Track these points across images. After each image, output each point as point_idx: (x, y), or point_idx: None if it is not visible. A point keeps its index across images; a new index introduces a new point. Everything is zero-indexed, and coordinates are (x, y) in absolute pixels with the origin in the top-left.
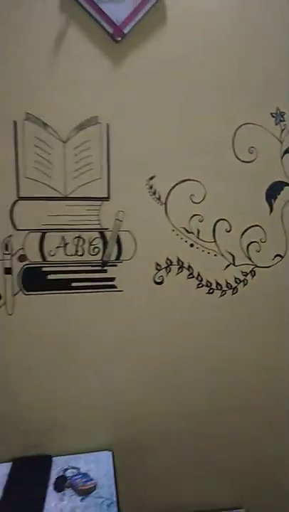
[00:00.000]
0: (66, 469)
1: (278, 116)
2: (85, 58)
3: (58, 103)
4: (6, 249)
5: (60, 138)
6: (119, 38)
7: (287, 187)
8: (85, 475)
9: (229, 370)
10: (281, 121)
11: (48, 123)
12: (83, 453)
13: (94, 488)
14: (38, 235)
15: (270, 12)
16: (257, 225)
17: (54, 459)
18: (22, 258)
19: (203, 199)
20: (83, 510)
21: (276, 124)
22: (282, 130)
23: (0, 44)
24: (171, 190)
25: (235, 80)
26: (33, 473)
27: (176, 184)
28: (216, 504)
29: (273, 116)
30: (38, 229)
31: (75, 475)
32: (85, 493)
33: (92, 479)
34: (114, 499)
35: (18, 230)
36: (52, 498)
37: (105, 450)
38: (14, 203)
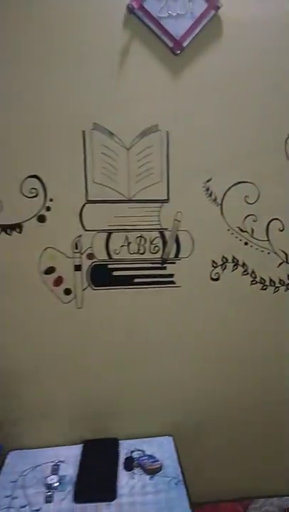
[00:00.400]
0: (132, 451)
1: None
2: (146, 71)
3: (123, 113)
4: (76, 248)
5: (124, 145)
6: (179, 51)
7: None
8: (150, 456)
9: (282, 362)
10: None
11: (114, 132)
12: (146, 437)
13: (160, 468)
14: (105, 235)
15: None
16: None
17: (120, 442)
18: (90, 256)
19: (256, 200)
20: (153, 487)
21: None
22: None
23: (69, 60)
24: (226, 191)
25: (287, 86)
26: (102, 453)
27: (231, 186)
28: (272, 491)
29: None
30: (105, 229)
31: (142, 456)
32: (152, 473)
33: (158, 460)
34: (181, 478)
35: (87, 230)
36: (123, 476)
37: (166, 435)
38: (83, 206)
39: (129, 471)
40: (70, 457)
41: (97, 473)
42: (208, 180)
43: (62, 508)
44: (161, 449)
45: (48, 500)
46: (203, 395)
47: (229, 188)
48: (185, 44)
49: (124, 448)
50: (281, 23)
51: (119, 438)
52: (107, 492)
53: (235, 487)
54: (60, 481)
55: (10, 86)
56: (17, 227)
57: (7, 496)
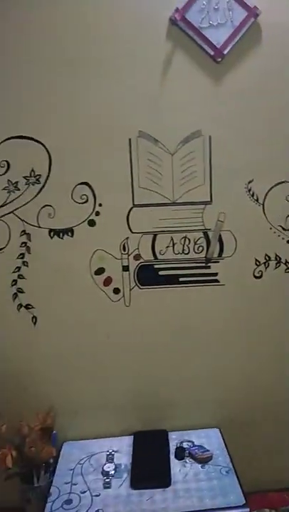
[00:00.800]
0: (182, 442)
1: None
2: (188, 79)
3: (166, 120)
4: (124, 249)
5: (168, 151)
6: (220, 59)
7: None
8: (200, 447)
9: None
10: None
11: (158, 139)
12: (194, 429)
13: (211, 457)
14: (151, 236)
15: None
16: None
17: (169, 433)
18: (137, 257)
19: None
20: (205, 475)
21: None
22: None
23: (116, 73)
24: (268, 192)
25: None
26: (153, 444)
27: (273, 186)
28: None
29: None
30: (150, 231)
31: (192, 446)
32: (203, 462)
33: (208, 450)
34: (231, 467)
35: (134, 232)
36: (175, 464)
37: (213, 428)
38: (130, 209)
39: (181, 460)
40: (122, 447)
41: (150, 462)
42: (250, 181)
43: (121, 494)
44: (209, 440)
45: (107, 486)
46: (250, 389)
47: (271, 188)
48: (226, 51)
49: (173, 439)
50: None
51: (168, 430)
52: (162, 478)
53: (283, 477)
54: (115, 468)
55: (65, 99)
56: (69, 231)
57: (67, 483)
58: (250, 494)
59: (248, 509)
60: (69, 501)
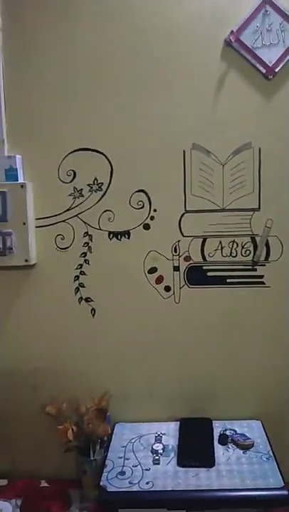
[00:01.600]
0: (225, 430)
1: None
2: (240, 95)
3: (219, 134)
4: (175, 251)
5: (219, 162)
6: (271, 77)
7: None
8: (242, 435)
9: None
10: None
11: (210, 150)
12: (236, 420)
13: (252, 445)
14: (200, 240)
15: None
16: None
17: (213, 421)
18: (187, 258)
19: None
20: (247, 460)
21: None
22: None
23: (173, 91)
24: None
25: None
26: (198, 429)
27: None
28: None
29: None
30: (200, 235)
31: (234, 434)
32: (245, 448)
33: (250, 438)
34: (272, 454)
35: (185, 236)
36: (218, 448)
37: (255, 419)
38: (182, 215)
39: (224, 445)
40: (169, 430)
41: (196, 444)
42: None
43: (168, 470)
44: (251, 430)
45: (156, 462)
46: None
47: None
48: (277, 69)
49: (217, 427)
50: None
51: (212, 418)
52: (207, 459)
53: None
54: (164, 448)
55: (126, 115)
56: (126, 233)
57: (120, 457)
58: (287, 483)
59: (286, 492)
60: (122, 473)
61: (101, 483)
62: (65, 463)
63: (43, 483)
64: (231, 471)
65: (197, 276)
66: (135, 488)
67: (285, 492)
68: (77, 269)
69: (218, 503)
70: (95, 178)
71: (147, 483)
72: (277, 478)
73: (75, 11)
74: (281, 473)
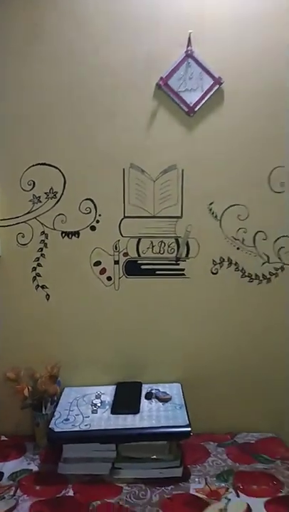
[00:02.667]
0: (151, 389)
1: None
2: (168, 127)
3: (151, 156)
4: (116, 248)
5: (151, 178)
6: (192, 114)
7: None
8: (164, 392)
9: (264, 332)
10: None
11: (144, 169)
12: (161, 383)
13: (170, 398)
14: (136, 240)
15: None
16: (286, 236)
17: (143, 384)
18: (125, 254)
19: (246, 217)
20: (164, 409)
21: None
22: None
23: (117, 120)
24: (224, 211)
25: (271, 138)
26: (130, 390)
27: (228, 207)
28: (254, 427)
29: None
30: (136, 236)
31: (158, 391)
32: (164, 401)
33: (169, 394)
34: (184, 404)
35: (124, 236)
36: (144, 402)
37: (176, 382)
38: (121, 220)
39: (148, 399)
40: (107, 391)
41: (127, 399)
42: (210, 203)
43: (103, 417)
44: (172, 390)
45: (94, 412)
46: (206, 352)
47: (226, 209)
48: (196, 109)
49: (145, 388)
50: (267, 94)
51: (143, 382)
52: (134, 408)
53: (227, 423)
54: (101, 402)
55: (77, 136)
56: (76, 233)
57: (66, 410)
58: (198, 434)
59: (189, 428)
60: (67, 419)
61: (50, 426)
62: (22, 422)
63: (3, 438)
64: (151, 416)
65: (133, 268)
66: (76, 429)
67: (188, 429)
68: (34, 261)
69: (139, 436)
70: (51, 188)
71: (86, 425)
72: (184, 420)
73: (37, 57)
74: (188, 418)
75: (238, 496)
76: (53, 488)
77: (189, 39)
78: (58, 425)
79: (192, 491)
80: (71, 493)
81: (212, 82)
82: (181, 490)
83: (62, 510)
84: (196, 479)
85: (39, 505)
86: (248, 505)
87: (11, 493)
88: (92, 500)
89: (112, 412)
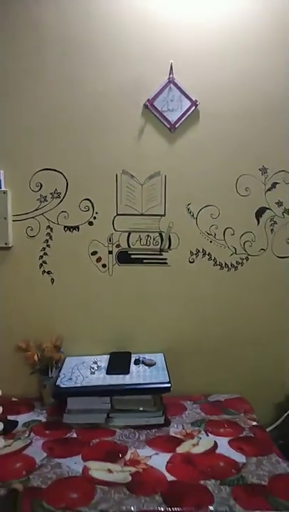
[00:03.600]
0: (139, 357)
1: (263, 170)
2: (153, 140)
3: (139, 164)
4: (110, 241)
5: (140, 183)
6: (173, 130)
7: (267, 210)
8: (150, 359)
9: (231, 310)
10: (265, 173)
11: (134, 175)
12: (147, 353)
13: (154, 364)
14: (126, 234)
15: (262, 109)
16: (250, 232)
17: (132, 354)
18: (118, 246)
19: (218, 216)
20: (149, 371)
21: (262, 175)
22: (265, 178)
23: (110, 134)
24: (199, 211)
25: (238, 151)
26: (122, 358)
27: (203, 207)
28: (226, 389)
29: (260, 170)
30: (126, 230)
31: (144, 358)
32: (149, 365)
33: (153, 360)
34: (165, 367)
35: (116, 230)
36: (133, 366)
37: (160, 352)
38: (114, 217)
39: (137, 364)
40: (103, 359)
41: (119, 364)
42: (188, 204)
43: (100, 377)
44: (156, 358)
45: (92, 373)
46: (185, 328)
47: (201, 209)
48: (177, 126)
49: (134, 356)
50: (235, 115)
51: (132, 351)
52: (125, 369)
53: (202, 387)
54: (98, 367)
55: (79, 147)
56: (76, 227)
57: (69, 372)
58: (179, 395)
59: (169, 385)
60: (70, 379)
61: (56, 384)
62: (29, 386)
63: (14, 399)
64: (139, 375)
65: (124, 257)
66: (78, 385)
67: (168, 385)
68: (41, 251)
69: (129, 391)
70: (55, 189)
71: (86, 382)
72: (165, 378)
73: (43, 80)
74: (169, 377)
75: (207, 435)
76: (60, 431)
77: (171, 68)
78: (63, 383)
79: (172, 433)
80: (75, 435)
81: (190, 103)
82: (163, 433)
83: (68, 446)
84: (175, 425)
85: (50, 443)
86: (215, 442)
87: (26, 435)
88: (91, 439)
89: (107, 373)
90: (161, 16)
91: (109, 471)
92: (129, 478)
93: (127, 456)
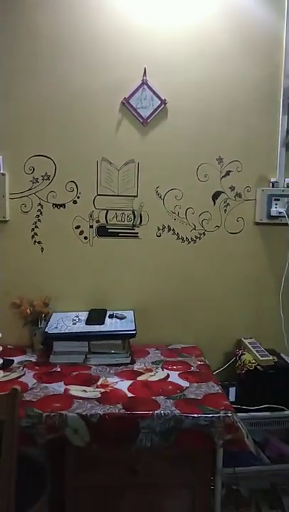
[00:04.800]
0: (113, 313)
1: (219, 160)
2: (129, 133)
3: (116, 152)
4: (91, 216)
5: (116, 168)
6: (145, 124)
7: (222, 193)
8: (121, 314)
9: (190, 275)
10: (221, 162)
11: (112, 161)
12: (120, 310)
13: (125, 317)
14: (105, 211)
15: (233, 114)
16: (207, 211)
17: (107, 310)
18: (97, 221)
19: (181, 197)
20: (120, 323)
21: (218, 164)
22: (221, 167)
23: (91, 125)
24: (166, 193)
25: (200, 143)
26: (99, 313)
27: (169, 190)
28: (184, 340)
29: (217, 160)
30: (105, 208)
31: (117, 313)
32: (121, 319)
33: (124, 315)
34: (133, 320)
35: (96, 208)
36: (107, 319)
37: (130, 310)
38: (95, 197)
39: (110, 318)
40: (83, 314)
41: (96, 317)
42: (157, 187)
43: (80, 326)
44: (127, 314)
45: (74, 323)
46: (151, 290)
47: (167, 192)
48: (148, 121)
49: (109, 312)
50: (198, 112)
51: (108, 309)
52: (100, 321)
53: (163, 338)
54: (79, 319)
55: (66, 136)
56: (63, 205)
57: (55, 323)
58: (144, 344)
59: (135, 332)
60: (56, 327)
61: (45, 330)
62: (22, 337)
63: (9, 346)
64: (112, 326)
65: (103, 231)
66: (62, 331)
67: (134, 332)
68: (33, 224)
69: (103, 336)
70: (46, 172)
71: (69, 330)
72: (132, 327)
73: (37, 79)
74: (135, 326)
75: (163, 370)
76: (47, 367)
77: (144, 71)
78: (50, 330)
79: (135, 369)
80: (59, 369)
81: (159, 102)
82: (129, 368)
83: (54, 376)
84: (138, 364)
85: (39, 374)
86: (168, 374)
87: (20, 369)
88: (72, 372)
89: (86, 323)
90: (137, 26)
91: (84, 391)
92: (99, 395)
93: (99, 382)
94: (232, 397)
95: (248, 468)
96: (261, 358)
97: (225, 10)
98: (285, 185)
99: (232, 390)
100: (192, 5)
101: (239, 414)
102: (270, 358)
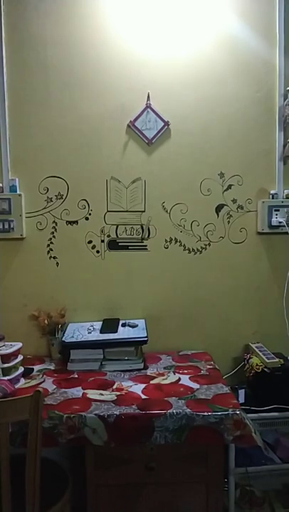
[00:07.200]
0: (125, 322)
1: (221, 175)
2: (136, 152)
3: (124, 171)
4: (102, 232)
5: (125, 186)
6: (150, 145)
7: (225, 206)
8: (133, 323)
9: (197, 285)
10: (222, 177)
11: (120, 180)
12: (132, 319)
13: (137, 326)
14: (115, 226)
15: (228, 128)
16: (211, 223)
17: (120, 320)
18: (108, 236)
19: (186, 211)
20: (133, 330)
21: (220, 178)
22: (223, 181)
23: (103, 148)
24: (172, 207)
25: (201, 160)
26: (112, 323)
27: (175, 205)
28: (193, 347)
29: (219, 175)
30: (115, 223)
31: (129, 322)
32: (133, 327)
33: (136, 323)
34: (145, 328)
35: (107, 224)
36: (120, 328)
37: (142, 318)
38: (105, 213)
39: (123, 327)
40: (98, 324)
41: (110, 326)
42: (163, 202)
43: (95, 335)
44: (139, 322)
45: (89, 333)
46: (160, 300)
47: (173, 206)
48: (153, 141)
49: (122, 321)
50: (199, 133)
51: (121, 318)
52: (114, 330)
53: (174, 345)
54: (94, 329)
55: (77, 159)
56: (75, 222)
57: (71, 333)
58: (156, 351)
59: (147, 338)
60: (72, 337)
61: (62, 339)
62: (40, 347)
63: (29, 356)
64: (124, 334)
65: (113, 245)
66: (78, 340)
67: (146, 338)
68: (48, 240)
69: (117, 344)
70: (59, 192)
71: (85, 339)
72: (144, 335)
73: (49, 107)
74: (146, 334)
75: (174, 374)
76: (65, 374)
77: (148, 96)
78: (67, 339)
79: (148, 373)
80: (76, 376)
81: (163, 123)
82: (142, 373)
83: (72, 382)
84: (151, 369)
85: (58, 380)
86: (179, 377)
87: (40, 376)
88: (88, 378)
89: (101, 332)
90: (141, 55)
91: (101, 394)
92: (115, 397)
93: (114, 386)
94: (241, 399)
95: (259, 467)
96: (268, 361)
97: (221, 40)
98: (284, 197)
99: (241, 392)
100: (190, 35)
101: (249, 415)
102: (277, 360)
